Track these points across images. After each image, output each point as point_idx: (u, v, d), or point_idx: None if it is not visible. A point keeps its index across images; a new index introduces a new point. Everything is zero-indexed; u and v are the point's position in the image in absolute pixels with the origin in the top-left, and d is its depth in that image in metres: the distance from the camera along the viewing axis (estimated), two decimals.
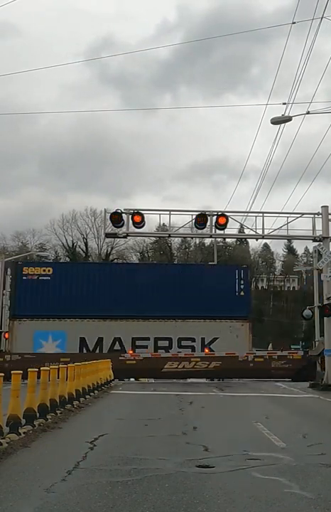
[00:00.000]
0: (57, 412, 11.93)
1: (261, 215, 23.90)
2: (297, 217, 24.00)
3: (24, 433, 9.17)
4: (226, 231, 23.68)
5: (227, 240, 58.23)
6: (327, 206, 23.43)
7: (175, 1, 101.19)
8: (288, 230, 23.86)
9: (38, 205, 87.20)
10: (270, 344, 43.99)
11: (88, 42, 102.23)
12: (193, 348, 30.39)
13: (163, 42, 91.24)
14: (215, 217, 22.83)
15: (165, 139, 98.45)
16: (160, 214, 24.31)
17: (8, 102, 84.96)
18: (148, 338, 30.67)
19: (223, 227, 22.83)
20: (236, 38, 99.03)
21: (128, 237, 33.84)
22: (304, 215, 24.14)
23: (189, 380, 27.63)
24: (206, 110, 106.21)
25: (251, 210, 25.26)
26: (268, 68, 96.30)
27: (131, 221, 22.72)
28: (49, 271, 31.97)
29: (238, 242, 74.06)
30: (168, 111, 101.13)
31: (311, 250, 43.43)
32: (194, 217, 23.01)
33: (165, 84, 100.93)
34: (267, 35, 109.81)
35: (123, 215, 22.68)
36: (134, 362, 27.80)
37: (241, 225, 25.62)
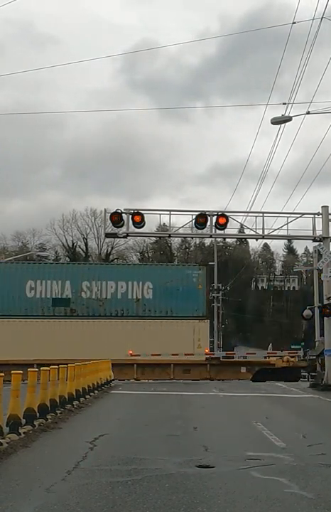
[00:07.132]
0: (57, 412, 11.93)
1: (261, 215, 23.87)
2: (298, 218, 24.00)
3: (24, 433, 9.17)
4: (227, 231, 23.63)
5: (227, 240, 58.12)
6: (327, 206, 23.43)
7: (209, 14, 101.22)
8: (288, 230, 23.82)
9: (55, 207, 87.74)
10: (271, 344, 43.91)
11: (123, 50, 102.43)
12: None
13: (197, 50, 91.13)
14: (215, 217, 22.82)
15: (189, 145, 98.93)
16: (160, 214, 24.32)
17: (36, 108, 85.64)
18: None
19: (223, 227, 22.80)
20: (270, 45, 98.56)
21: (128, 237, 33.70)
22: (304, 215, 24.11)
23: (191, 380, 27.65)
24: (234, 117, 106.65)
25: (251, 210, 25.24)
26: (298, 76, 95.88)
27: (131, 221, 22.69)
28: None
29: (238, 242, 74.06)
30: (196, 117, 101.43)
31: (311, 250, 43.44)
32: (194, 217, 23.01)
33: (195, 91, 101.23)
34: (302, 42, 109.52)
35: (124, 215, 22.64)
36: None
37: (241, 225, 25.61)
